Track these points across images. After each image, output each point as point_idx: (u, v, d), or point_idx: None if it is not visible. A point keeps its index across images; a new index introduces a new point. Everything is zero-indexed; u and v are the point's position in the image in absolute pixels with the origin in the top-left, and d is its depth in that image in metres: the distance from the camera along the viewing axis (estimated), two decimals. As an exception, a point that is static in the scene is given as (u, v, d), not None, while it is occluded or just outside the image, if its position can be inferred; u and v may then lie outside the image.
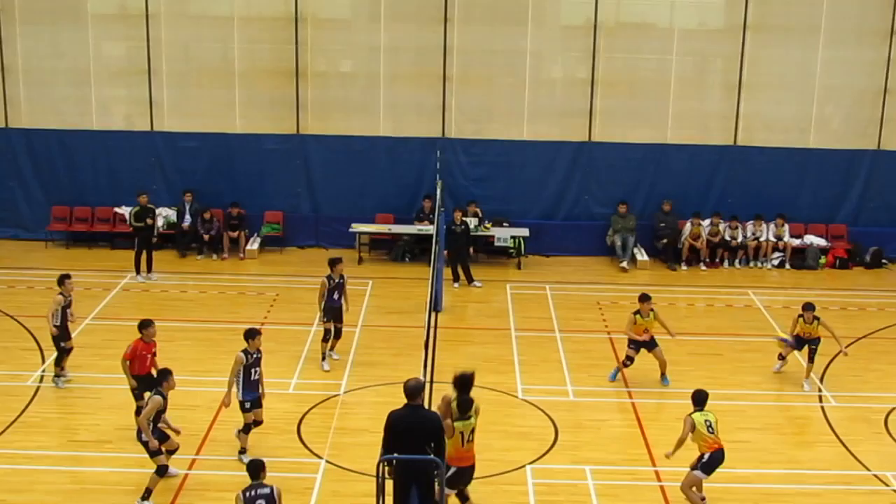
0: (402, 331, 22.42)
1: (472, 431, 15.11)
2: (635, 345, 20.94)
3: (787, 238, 30.09)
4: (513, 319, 25.16)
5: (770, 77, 30.20)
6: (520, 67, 30.16)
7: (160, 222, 29.03)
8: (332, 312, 21.47)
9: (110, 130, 30.20)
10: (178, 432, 17.01)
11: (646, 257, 29.84)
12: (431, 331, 16.63)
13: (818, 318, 21.00)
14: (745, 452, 18.29)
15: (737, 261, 30.09)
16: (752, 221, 30.10)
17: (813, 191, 30.58)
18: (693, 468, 16.23)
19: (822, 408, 20.08)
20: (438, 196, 26.11)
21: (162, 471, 16.29)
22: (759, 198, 30.33)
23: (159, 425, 16.53)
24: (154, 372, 17.74)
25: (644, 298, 20.86)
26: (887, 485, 17.50)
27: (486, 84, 30.47)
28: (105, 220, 30.32)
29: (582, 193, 30.67)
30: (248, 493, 13.99)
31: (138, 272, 27.08)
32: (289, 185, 30.58)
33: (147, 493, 16.11)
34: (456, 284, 27.37)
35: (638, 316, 20.77)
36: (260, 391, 17.69)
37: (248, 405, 17.54)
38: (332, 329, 21.52)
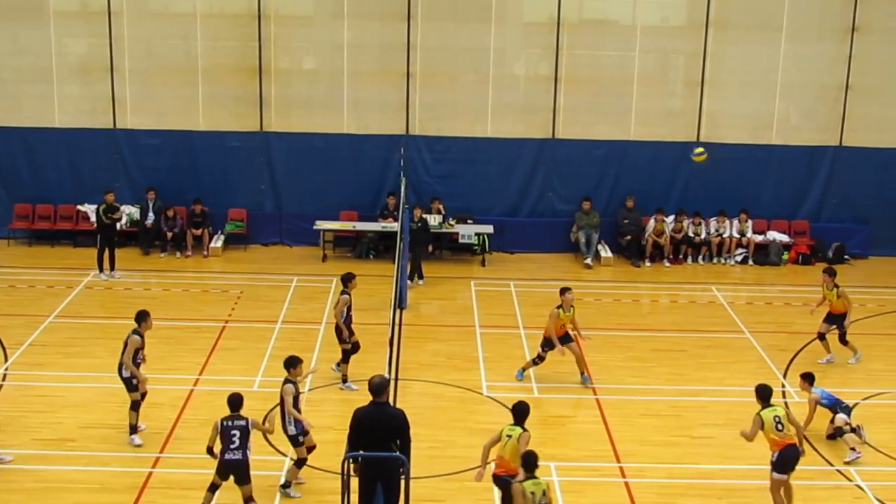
0: (367, 328, 22.39)
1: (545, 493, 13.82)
2: (549, 344, 20.69)
3: (750, 234, 30.24)
4: (477, 316, 25.19)
5: (732, 74, 30.37)
6: (483, 64, 30.19)
7: (123, 220, 28.85)
8: (350, 328, 20.51)
9: (72, 128, 29.99)
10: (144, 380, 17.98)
11: (610, 254, 29.89)
12: (396, 328, 16.64)
13: (838, 287, 21.77)
14: (708, 448, 18.44)
15: (700, 257, 30.20)
16: (715, 218, 30.21)
17: (775, 187, 30.74)
18: (772, 470, 15.98)
19: (786, 403, 20.17)
20: (402, 193, 26.10)
21: (135, 406, 17.84)
22: (723, 194, 30.43)
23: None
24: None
25: (565, 291, 20.73)
26: (850, 479, 17.65)
27: (450, 81, 30.45)
28: (68, 218, 30.10)
29: (546, 190, 30.71)
30: (225, 423, 15.16)
31: (101, 270, 26.92)
32: (252, 183, 30.46)
33: (132, 429, 17.89)
34: (421, 282, 27.35)
35: (560, 310, 20.55)
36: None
37: (301, 438, 16.48)
38: (355, 343, 20.54)
